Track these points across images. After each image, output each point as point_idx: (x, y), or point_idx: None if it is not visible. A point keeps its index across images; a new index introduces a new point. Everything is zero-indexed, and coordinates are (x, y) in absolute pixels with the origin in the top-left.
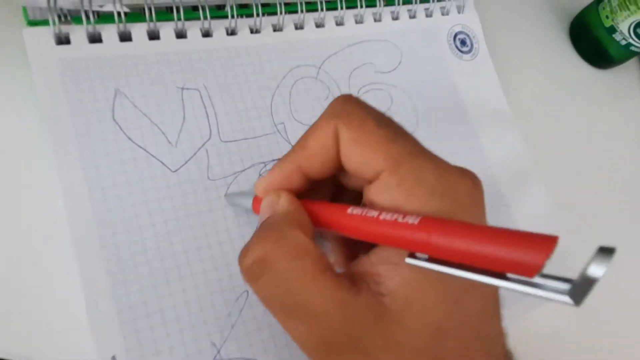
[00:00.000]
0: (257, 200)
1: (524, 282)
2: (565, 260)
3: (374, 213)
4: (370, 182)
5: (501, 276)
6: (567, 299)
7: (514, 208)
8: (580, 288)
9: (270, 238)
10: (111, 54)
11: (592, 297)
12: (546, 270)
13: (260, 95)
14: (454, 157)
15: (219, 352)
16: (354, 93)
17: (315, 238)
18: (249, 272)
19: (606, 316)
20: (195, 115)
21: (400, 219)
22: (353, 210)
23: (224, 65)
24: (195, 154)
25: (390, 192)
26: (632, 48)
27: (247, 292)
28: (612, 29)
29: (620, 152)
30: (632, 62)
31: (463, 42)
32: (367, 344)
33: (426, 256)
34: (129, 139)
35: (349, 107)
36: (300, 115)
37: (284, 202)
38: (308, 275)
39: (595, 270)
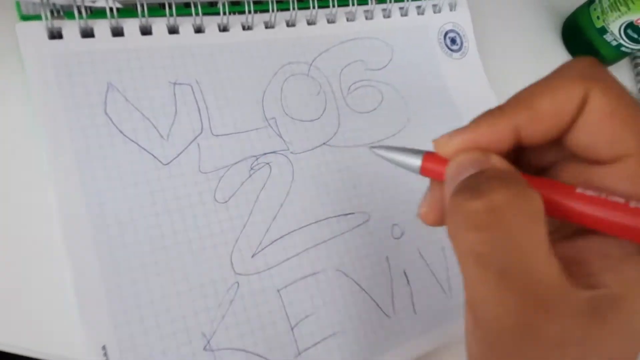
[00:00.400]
0: (433, 159)
1: None
2: None
3: (620, 199)
4: (600, 163)
5: None
6: None
7: None
8: None
9: (512, 190)
10: (103, 48)
11: None
12: None
13: (251, 91)
14: None
15: (208, 342)
16: (345, 90)
17: None
18: (474, 218)
19: None
20: (187, 110)
21: None
22: (585, 191)
23: (216, 61)
24: (186, 147)
25: (636, 181)
26: (623, 49)
27: (238, 283)
28: (603, 30)
29: None
30: (624, 63)
31: (453, 41)
32: (565, 336)
33: None
34: (121, 132)
35: (601, 72)
36: (292, 111)
37: (502, 161)
38: (543, 246)
39: None
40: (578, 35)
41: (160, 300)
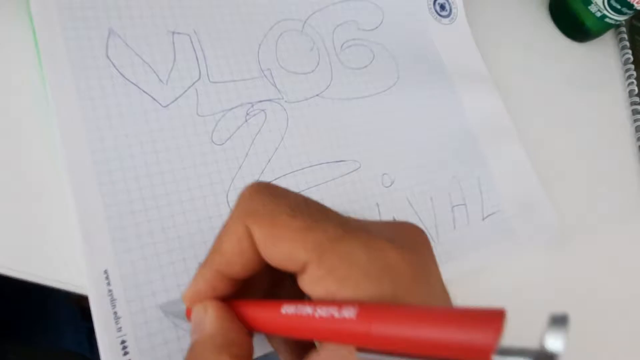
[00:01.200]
0: (189, 312)
1: None
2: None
3: (309, 310)
4: (299, 274)
5: None
6: None
7: (491, 163)
8: None
9: None
10: None
11: None
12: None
13: (248, 44)
14: (434, 110)
15: None
16: (338, 47)
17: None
18: None
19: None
20: (185, 58)
21: (336, 314)
22: (287, 310)
23: (213, 15)
24: (185, 92)
25: (322, 283)
26: (607, 20)
27: None
28: (588, 1)
29: (596, 122)
30: (608, 36)
31: (442, 7)
32: None
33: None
34: (122, 75)
35: (257, 202)
36: (286, 63)
37: (211, 318)
38: None
39: (553, 343)
40: (564, 7)
41: (159, 232)
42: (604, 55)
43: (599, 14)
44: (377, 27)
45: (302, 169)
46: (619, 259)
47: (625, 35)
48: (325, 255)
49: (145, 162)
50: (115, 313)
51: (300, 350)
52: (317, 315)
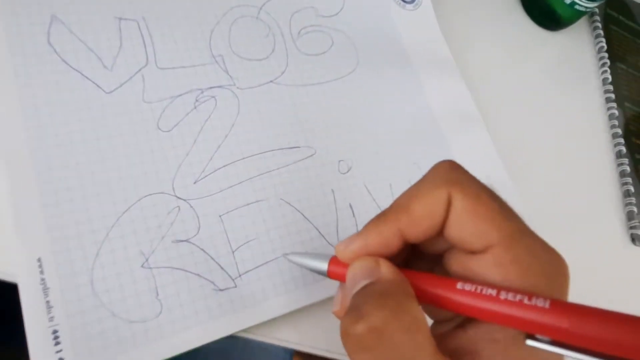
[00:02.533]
0: (338, 265)
1: None
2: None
3: (492, 291)
4: (474, 253)
5: None
6: None
7: (454, 150)
8: None
9: (388, 307)
10: None
11: None
12: None
13: (199, 29)
14: (395, 96)
15: (147, 260)
16: (295, 33)
17: None
18: (359, 341)
19: None
20: (132, 44)
21: (526, 301)
22: (464, 286)
23: (163, 1)
24: (130, 78)
25: (502, 268)
26: (577, 7)
27: (179, 207)
28: None
29: (570, 111)
30: (582, 24)
31: None
32: None
33: (548, 338)
34: (64, 61)
35: (461, 175)
36: (240, 50)
37: (387, 269)
38: (425, 353)
39: None
40: None
41: (99, 219)
42: (578, 45)
43: (568, 1)
44: (337, 14)
45: (252, 155)
46: (588, 257)
47: (599, 24)
48: (514, 243)
49: (86, 149)
50: (47, 302)
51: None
52: (502, 297)
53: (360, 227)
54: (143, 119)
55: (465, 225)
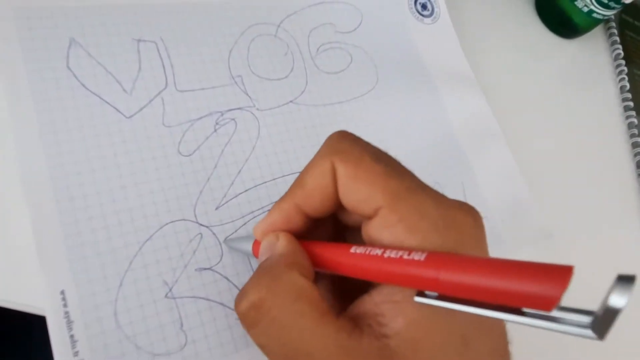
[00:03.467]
0: (257, 244)
1: (541, 317)
2: (532, 222)
3: (378, 251)
4: (369, 218)
5: (516, 311)
6: (589, 332)
7: (476, 168)
8: (603, 320)
9: (265, 282)
10: (66, 3)
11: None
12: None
13: (217, 49)
14: (416, 113)
15: (170, 290)
16: (314, 51)
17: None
18: (245, 318)
19: None
20: (151, 66)
21: (405, 256)
22: (356, 250)
23: (181, 20)
24: (150, 101)
25: (391, 229)
26: (595, 15)
27: (201, 234)
28: None
29: (588, 121)
30: (597, 31)
31: (424, 6)
32: None
33: (436, 294)
34: (83, 85)
35: (345, 143)
36: (259, 69)
37: (282, 242)
38: (307, 320)
39: (617, 300)
40: (550, 3)
41: (121, 249)
42: (594, 52)
43: (586, 9)
44: (355, 30)
45: (274, 179)
46: (613, 265)
47: (615, 31)
48: (400, 202)
49: (106, 176)
50: (72, 336)
51: (342, 295)
52: (385, 255)
53: None
54: (163, 143)
55: (351, 192)
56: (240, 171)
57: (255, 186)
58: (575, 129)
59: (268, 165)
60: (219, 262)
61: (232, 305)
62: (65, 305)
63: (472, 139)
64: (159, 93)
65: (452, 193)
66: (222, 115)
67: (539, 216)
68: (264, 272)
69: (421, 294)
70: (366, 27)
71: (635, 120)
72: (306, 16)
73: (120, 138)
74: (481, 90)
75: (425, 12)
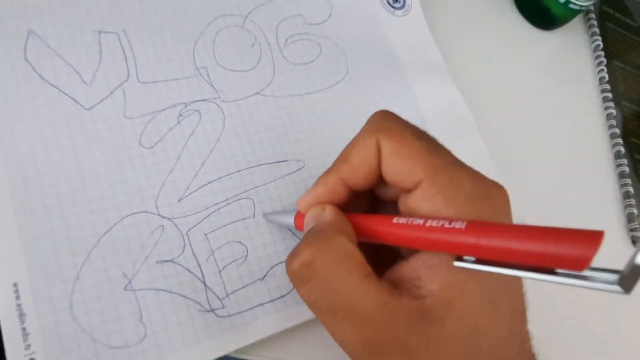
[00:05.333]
0: (299, 217)
1: (573, 276)
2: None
3: (420, 221)
4: (409, 191)
5: (550, 272)
6: (617, 288)
7: None
8: (629, 277)
9: (317, 243)
10: None
11: None
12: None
13: (182, 40)
14: (387, 104)
15: (130, 282)
16: (282, 42)
17: None
18: (296, 276)
19: None
20: (112, 58)
21: (447, 225)
22: (399, 220)
23: (144, 11)
24: (111, 93)
25: (431, 200)
26: (572, 6)
27: (163, 226)
28: None
29: (567, 112)
30: (577, 22)
31: None
32: (409, 344)
33: (473, 259)
34: (41, 77)
35: (389, 121)
36: (224, 61)
37: (329, 212)
38: (353, 278)
39: None
40: None
41: (79, 241)
42: (573, 43)
43: (562, 0)
44: (324, 21)
45: (239, 170)
46: None
47: (595, 22)
48: (439, 176)
49: (64, 167)
50: (24, 329)
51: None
52: (427, 224)
53: None
54: (124, 135)
55: (394, 166)
56: (204, 163)
57: (220, 178)
58: (553, 120)
59: (233, 157)
60: (181, 254)
61: (193, 297)
62: (17, 298)
63: (444, 129)
64: (120, 85)
65: None
66: (185, 106)
67: (513, 207)
68: (315, 235)
69: (459, 259)
70: (336, 19)
71: (614, 111)
72: (275, 8)
73: (79, 129)
74: (454, 80)
75: (396, 5)
